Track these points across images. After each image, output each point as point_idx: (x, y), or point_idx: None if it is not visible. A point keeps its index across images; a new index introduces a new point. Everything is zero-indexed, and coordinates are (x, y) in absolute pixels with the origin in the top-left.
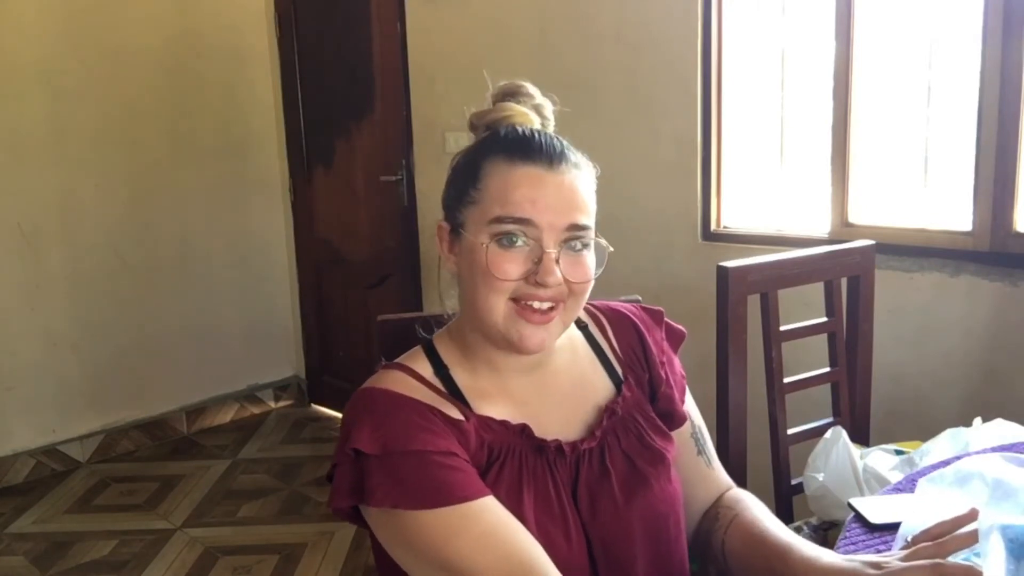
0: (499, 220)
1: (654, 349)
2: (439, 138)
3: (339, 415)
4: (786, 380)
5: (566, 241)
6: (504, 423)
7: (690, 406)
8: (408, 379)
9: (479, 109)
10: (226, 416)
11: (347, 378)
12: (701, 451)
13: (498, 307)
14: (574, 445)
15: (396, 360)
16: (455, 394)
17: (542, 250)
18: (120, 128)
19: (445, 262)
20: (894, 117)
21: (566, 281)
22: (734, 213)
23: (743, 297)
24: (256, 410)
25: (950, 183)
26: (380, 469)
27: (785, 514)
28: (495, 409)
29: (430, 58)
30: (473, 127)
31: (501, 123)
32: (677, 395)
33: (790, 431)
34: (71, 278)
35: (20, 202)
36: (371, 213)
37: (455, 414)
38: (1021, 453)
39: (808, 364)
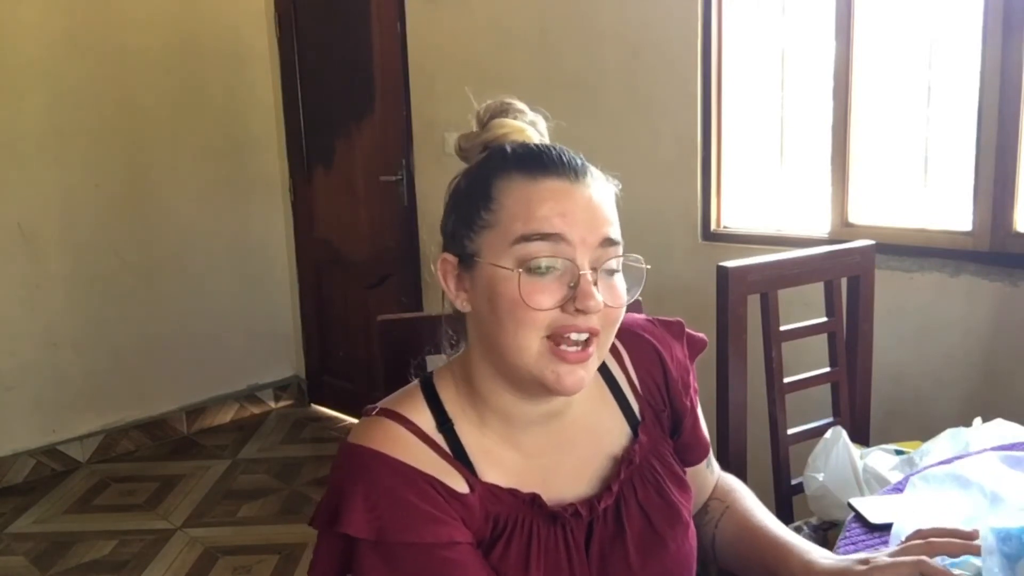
0: (525, 238)
1: (675, 374)
2: (439, 138)
3: (339, 415)
4: (786, 380)
5: (599, 261)
6: (512, 492)
7: (700, 418)
8: (406, 436)
9: (467, 132)
10: (226, 416)
11: (347, 378)
12: (709, 463)
13: (530, 346)
14: (591, 505)
15: (391, 404)
16: (459, 456)
17: (577, 272)
18: (120, 128)
19: (454, 299)
20: (894, 117)
21: (604, 307)
22: (734, 213)
23: (743, 297)
24: (256, 410)
25: (950, 183)
26: (373, 555)
27: (785, 514)
28: (503, 470)
29: (430, 58)
30: (463, 151)
31: (498, 141)
32: (700, 418)
33: (790, 431)
34: (71, 278)
35: (20, 202)
36: (371, 213)
37: (459, 485)
38: (1020, 451)
39: (808, 364)
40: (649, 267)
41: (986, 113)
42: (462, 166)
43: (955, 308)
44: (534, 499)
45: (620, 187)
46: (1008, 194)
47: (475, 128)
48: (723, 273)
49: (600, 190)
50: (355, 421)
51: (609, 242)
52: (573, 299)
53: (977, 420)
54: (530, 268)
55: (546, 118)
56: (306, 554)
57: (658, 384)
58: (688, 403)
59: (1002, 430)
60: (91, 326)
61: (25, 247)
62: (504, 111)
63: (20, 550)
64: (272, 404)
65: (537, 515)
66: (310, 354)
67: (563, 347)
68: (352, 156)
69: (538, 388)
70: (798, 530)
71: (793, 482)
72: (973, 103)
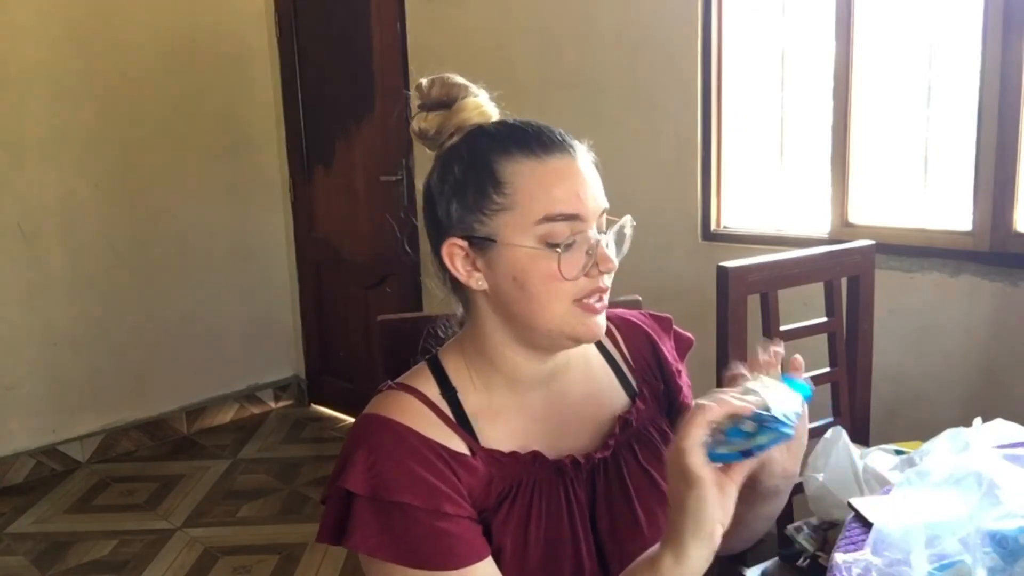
0: (549, 219)
1: (668, 358)
2: None
3: (339, 415)
4: None
5: (603, 226)
6: (513, 455)
7: None
8: (412, 402)
9: (425, 115)
10: (226, 416)
11: (347, 378)
12: None
13: (564, 311)
14: (588, 456)
15: (400, 379)
16: (462, 423)
17: (592, 241)
18: (120, 128)
19: (466, 280)
20: (894, 117)
21: None
22: (734, 213)
23: (743, 297)
24: (256, 410)
25: (950, 183)
26: (367, 509)
27: (785, 514)
28: (506, 434)
29: (430, 58)
30: (428, 137)
31: (468, 122)
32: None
33: None
34: (71, 278)
35: (20, 202)
36: (371, 213)
37: (461, 448)
38: (1019, 448)
39: (808, 364)
40: (636, 223)
41: (986, 113)
42: None
43: (955, 308)
44: (535, 456)
45: (592, 143)
46: (1008, 194)
47: (422, 110)
48: (723, 273)
49: (589, 161)
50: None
51: (605, 211)
52: (595, 264)
53: (977, 420)
54: (555, 245)
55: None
56: (306, 554)
57: (650, 364)
58: (680, 384)
59: (1002, 430)
60: (91, 326)
61: (25, 247)
62: (461, 91)
63: (20, 550)
64: (272, 404)
65: (539, 471)
66: (310, 354)
67: (590, 302)
68: (352, 156)
69: (566, 342)
70: (798, 530)
71: None
72: (973, 103)
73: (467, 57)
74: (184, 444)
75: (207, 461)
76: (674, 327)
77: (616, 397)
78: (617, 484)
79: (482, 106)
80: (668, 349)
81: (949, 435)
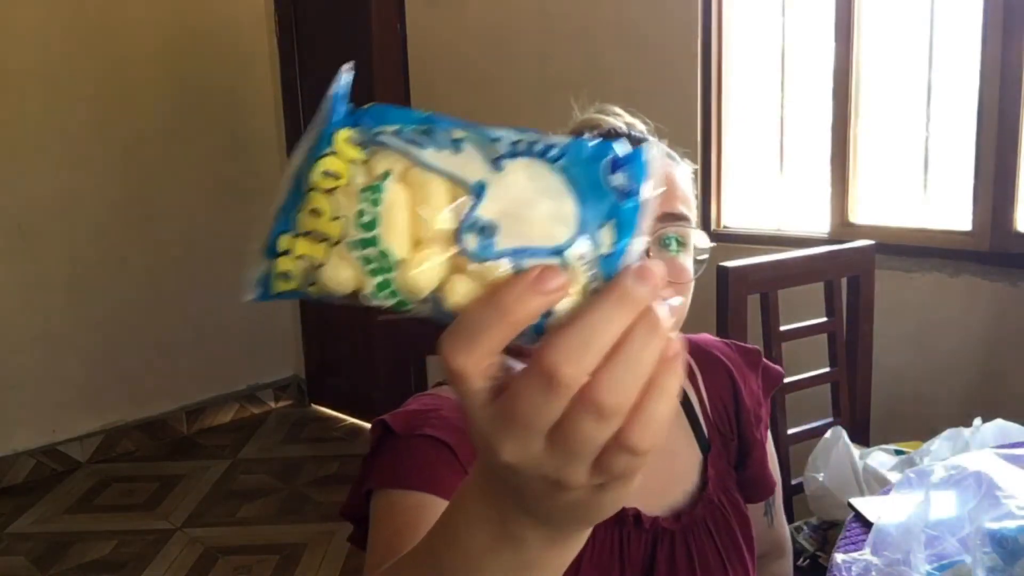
0: None
1: (748, 404)
2: None
3: (339, 415)
4: (786, 380)
5: (659, 236)
6: None
7: (770, 455)
8: None
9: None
10: (226, 416)
11: (347, 378)
12: (767, 511)
13: None
14: (654, 520)
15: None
16: None
17: None
18: (121, 128)
19: None
20: (894, 117)
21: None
22: (734, 213)
23: (743, 297)
24: (256, 410)
25: (950, 183)
26: (392, 449)
27: (785, 514)
28: None
29: (430, 58)
30: None
31: (583, 130)
32: (771, 454)
33: (790, 431)
34: (71, 278)
35: (20, 202)
36: None
37: None
38: (1018, 448)
39: (808, 364)
40: (714, 244)
41: (986, 113)
42: None
43: (955, 308)
44: None
45: (696, 168)
46: (1008, 194)
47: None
48: (723, 273)
49: (672, 166)
50: (355, 421)
51: (670, 217)
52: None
53: (977, 420)
54: None
55: (645, 122)
56: (306, 554)
57: (728, 411)
58: (758, 436)
59: (1002, 430)
60: (91, 326)
61: (25, 247)
62: (600, 111)
63: (20, 550)
64: (272, 404)
65: None
66: (310, 354)
67: None
68: None
69: None
70: (798, 530)
71: (793, 482)
72: (973, 103)
73: (467, 57)
74: (184, 444)
75: (207, 461)
76: (763, 360)
77: (687, 450)
78: (683, 559)
79: (606, 121)
80: (751, 390)
81: (949, 435)
